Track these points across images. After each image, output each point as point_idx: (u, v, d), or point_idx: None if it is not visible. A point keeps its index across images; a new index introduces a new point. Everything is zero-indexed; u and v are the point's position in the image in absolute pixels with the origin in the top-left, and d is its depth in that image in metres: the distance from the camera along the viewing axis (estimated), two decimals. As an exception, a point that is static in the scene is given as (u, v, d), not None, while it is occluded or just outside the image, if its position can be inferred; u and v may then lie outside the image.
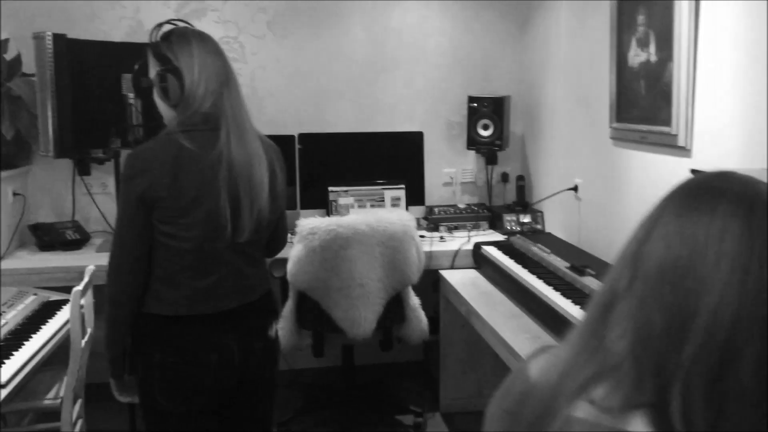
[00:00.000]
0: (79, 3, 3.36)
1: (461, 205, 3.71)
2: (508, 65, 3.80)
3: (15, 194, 3.25)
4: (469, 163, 3.86)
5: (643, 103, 2.51)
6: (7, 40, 3.17)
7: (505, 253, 3.02)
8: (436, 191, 3.83)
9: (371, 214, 2.79)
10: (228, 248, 1.74)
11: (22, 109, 3.02)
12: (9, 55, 3.16)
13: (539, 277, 2.62)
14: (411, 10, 3.67)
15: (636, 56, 2.54)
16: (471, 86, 3.77)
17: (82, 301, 2.35)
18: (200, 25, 3.45)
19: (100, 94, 2.24)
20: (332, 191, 3.48)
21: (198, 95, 1.70)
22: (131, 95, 2.12)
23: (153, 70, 1.75)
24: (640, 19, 2.50)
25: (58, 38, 2.13)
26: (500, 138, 3.61)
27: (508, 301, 2.74)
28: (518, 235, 3.23)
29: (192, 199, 1.69)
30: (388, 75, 3.72)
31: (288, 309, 2.90)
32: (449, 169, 3.85)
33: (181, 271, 1.73)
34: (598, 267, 2.65)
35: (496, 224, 3.62)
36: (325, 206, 3.48)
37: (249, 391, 1.84)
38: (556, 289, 2.47)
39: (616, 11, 2.66)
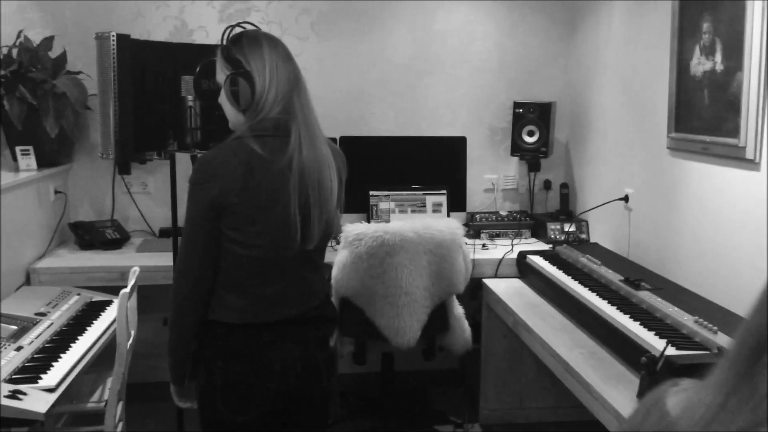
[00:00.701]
0: (125, 2, 3.34)
1: (503, 212, 3.64)
2: (553, 70, 3.72)
3: (56, 192, 3.24)
4: (512, 170, 3.79)
5: (706, 114, 2.43)
6: (51, 38, 3.16)
7: (552, 263, 2.95)
8: (476, 197, 3.77)
9: (418, 221, 2.73)
10: (294, 255, 1.70)
11: (67, 107, 3.01)
12: (54, 53, 3.15)
13: (592, 290, 2.55)
14: (456, 13, 3.61)
15: (699, 65, 2.46)
16: (515, 91, 3.70)
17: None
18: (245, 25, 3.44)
19: (157, 96, 2.20)
20: (373, 195, 3.43)
21: (269, 100, 1.65)
22: (190, 98, 2.08)
23: (222, 73, 1.71)
24: (705, 26, 2.42)
25: (122, 39, 2.08)
26: (546, 145, 3.53)
27: (558, 314, 2.66)
28: (564, 245, 3.15)
29: (262, 207, 1.65)
30: (431, 79, 3.66)
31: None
32: (491, 176, 3.78)
33: (247, 279, 1.69)
34: (653, 280, 2.58)
35: (538, 232, 3.54)
36: (366, 210, 3.43)
37: (307, 401, 1.79)
38: (612, 303, 2.40)
39: (677, 17, 2.58)
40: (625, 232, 3.09)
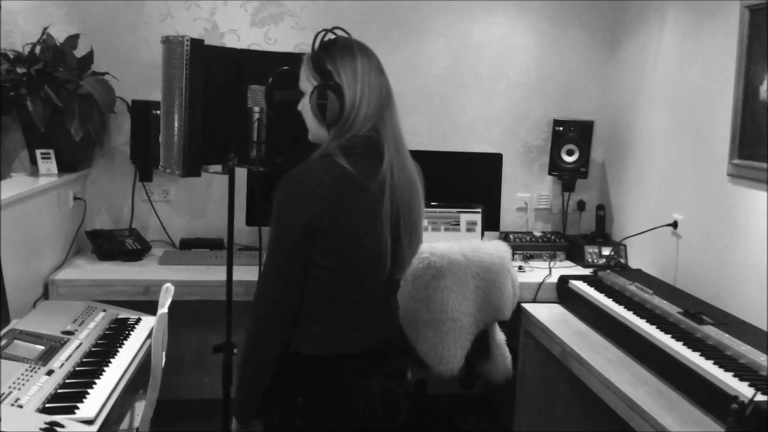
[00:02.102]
0: (153, 1, 3.18)
1: (537, 233, 3.51)
2: (592, 88, 3.61)
3: (75, 198, 3.07)
4: (545, 189, 3.67)
5: (778, 142, 2.31)
6: (76, 36, 3.00)
7: (598, 289, 2.82)
8: (508, 216, 3.64)
9: (466, 243, 2.59)
10: (382, 282, 1.57)
11: (93, 110, 2.85)
12: (78, 52, 2.99)
13: (650, 322, 2.42)
14: (495, 25, 3.49)
15: (772, 90, 2.35)
16: (552, 108, 3.58)
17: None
18: (277, 30, 3.30)
19: (219, 106, 2.03)
20: (406, 212, 3.28)
21: (359, 117, 1.52)
22: (257, 109, 1.92)
23: (309, 83, 1.57)
24: (781, 50, 2.31)
25: (196, 44, 1.90)
26: (585, 165, 3.42)
27: (610, 345, 2.53)
28: (608, 271, 3.02)
29: (355, 231, 1.51)
30: (466, 91, 3.53)
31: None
32: (524, 194, 3.65)
33: (332, 306, 1.55)
34: (713, 313, 2.46)
35: (573, 255, 3.42)
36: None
37: None
38: (676, 337, 2.27)
39: (746, 42, 2.47)
40: (672, 259, 2.97)
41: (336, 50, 1.57)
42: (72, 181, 3.02)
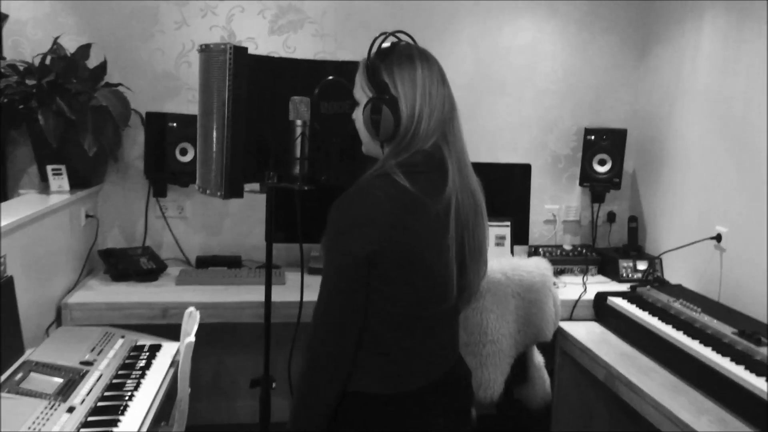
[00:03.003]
0: (168, 7, 3.05)
1: (567, 246, 3.37)
2: (622, 95, 3.47)
3: (87, 216, 2.93)
4: (574, 200, 3.53)
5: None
6: (88, 46, 2.86)
7: (641, 307, 2.68)
8: (536, 229, 3.50)
9: (505, 261, 2.45)
10: (447, 311, 1.43)
11: (108, 123, 2.70)
12: (90, 63, 2.85)
13: (705, 344, 2.27)
14: (523, 30, 3.35)
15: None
16: (581, 117, 3.45)
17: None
18: (296, 38, 3.16)
19: (258, 119, 1.88)
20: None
21: (418, 134, 1.38)
22: (300, 122, 1.76)
23: (363, 93, 1.42)
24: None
25: (240, 53, 1.72)
26: (618, 175, 3.28)
27: (659, 368, 2.38)
28: (648, 287, 2.88)
29: (421, 257, 1.37)
30: (492, 99, 3.39)
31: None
32: (552, 206, 3.51)
33: (395, 339, 1.41)
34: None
35: (606, 269, 3.28)
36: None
37: None
38: (737, 361, 2.12)
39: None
40: (716, 273, 2.83)
41: (394, 58, 1.43)
42: (84, 198, 2.88)
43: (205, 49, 1.85)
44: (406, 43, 1.51)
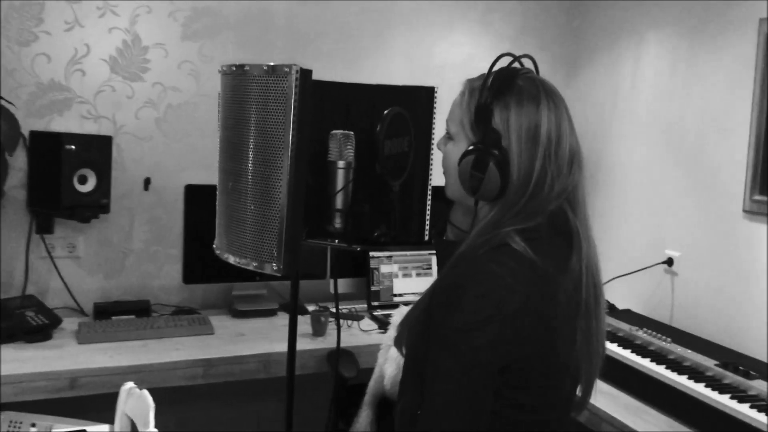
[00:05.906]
0: (57, 7, 2.49)
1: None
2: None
3: (-45, 263, 2.31)
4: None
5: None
6: None
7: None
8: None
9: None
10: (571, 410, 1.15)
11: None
12: None
13: (697, 380, 2.16)
14: (456, 46, 3.15)
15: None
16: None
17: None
18: (213, 45, 2.73)
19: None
20: (373, 257, 2.85)
21: (542, 194, 1.08)
22: (342, 163, 1.38)
23: (461, 131, 1.11)
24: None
25: (306, 76, 1.21)
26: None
27: (645, 407, 2.25)
28: (602, 314, 2.77)
29: (556, 352, 1.07)
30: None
31: (364, 423, 2.23)
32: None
33: None
34: (745, 363, 2.27)
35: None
36: (365, 274, 2.84)
37: None
38: (739, 399, 2.03)
39: (762, 69, 2.32)
40: (667, 298, 2.79)
41: (512, 97, 1.12)
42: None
43: (239, 72, 1.32)
44: (531, 74, 1.20)
